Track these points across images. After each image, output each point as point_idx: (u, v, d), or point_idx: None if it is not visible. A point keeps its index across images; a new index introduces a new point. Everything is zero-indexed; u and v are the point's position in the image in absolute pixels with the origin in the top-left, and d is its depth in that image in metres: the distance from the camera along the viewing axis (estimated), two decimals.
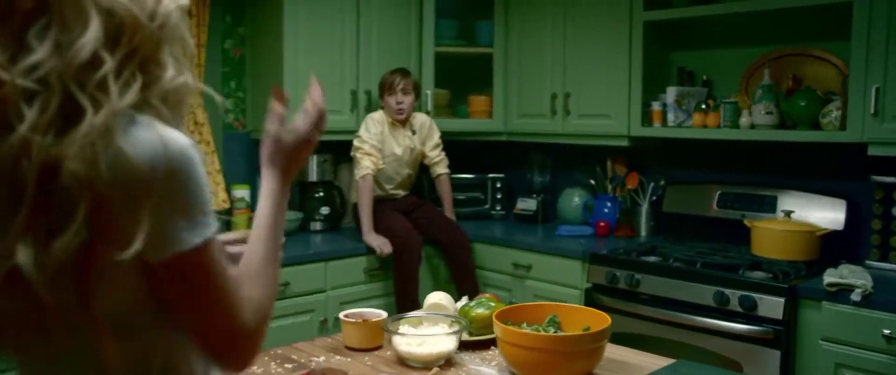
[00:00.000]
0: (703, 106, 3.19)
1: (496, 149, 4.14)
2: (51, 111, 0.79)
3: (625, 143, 3.37)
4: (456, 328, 1.71)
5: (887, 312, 2.36)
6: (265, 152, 1.14)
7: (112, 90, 0.82)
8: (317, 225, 3.62)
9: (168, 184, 0.83)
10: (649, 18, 3.24)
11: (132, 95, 0.84)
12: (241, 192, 3.49)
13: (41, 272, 0.81)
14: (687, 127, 3.23)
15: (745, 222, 3.02)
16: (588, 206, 3.67)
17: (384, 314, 1.81)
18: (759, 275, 2.68)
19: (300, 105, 1.19)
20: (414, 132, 3.51)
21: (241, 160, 3.59)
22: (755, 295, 2.60)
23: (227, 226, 3.41)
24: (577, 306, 1.73)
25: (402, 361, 1.66)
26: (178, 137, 0.85)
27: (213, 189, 3.36)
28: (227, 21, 3.49)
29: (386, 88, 3.41)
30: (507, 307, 1.74)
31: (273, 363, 1.66)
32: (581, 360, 1.53)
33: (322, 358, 1.70)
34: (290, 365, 1.65)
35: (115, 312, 0.88)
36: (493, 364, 1.66)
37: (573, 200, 3.76)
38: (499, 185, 4.00)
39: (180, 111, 0.91)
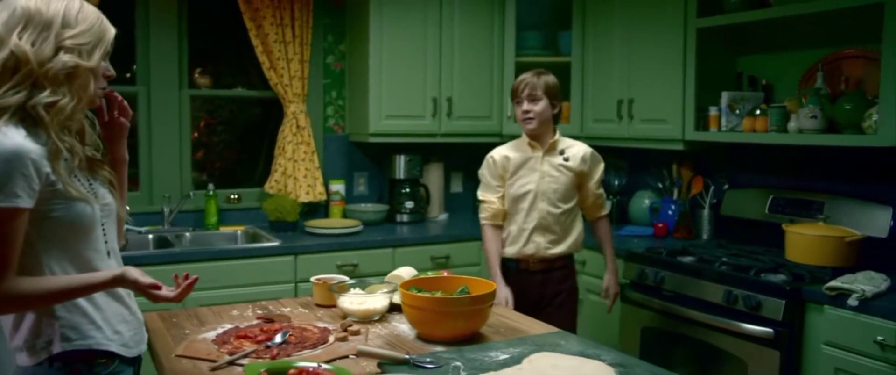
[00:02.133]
0: (757, 111, 3.21)
1: None
2: None
3: (680, 147, 3.46)
4: (388, 292, 2.07)
5: (883, 318, 2.34)
6: (140, 278, 1.57)
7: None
8: (403, 217, 4.08)
9: None
10: (702, 25, 3.32)
11: (16, 98, 1.43)
12: (337, 186, 4.05)
13: None
14: (738, 132, 3.27)
15: (783, 226, 3.01)
16: (654, 208, 3.78)
17: (347, 280, 2.21)
18: (774, 278, 2.70)
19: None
20: (566, 159, 2.83)
21: (338, 159, 4.15)
22: (761, 296, 2.65)
23: (318, 212, 4.00)
24: (486, 280, 2.00)
25: (345, 316, 2.05)
26: (10, 139, 1.41)
27: (312, 183, 3.94)
28: (329, 40, 4.08)
29: (512, 97, 2.85)
30: (426, 276, 2.06)
31: (251, 309, 2.13)
32: (461, 320, 1.82)
33: (288, 309, 2.14)
34: (261, 312, 2.10)
35: None
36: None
37: (643, 202, 3.88)
38: None
39: (54, 117, 1.48)
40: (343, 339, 1.83)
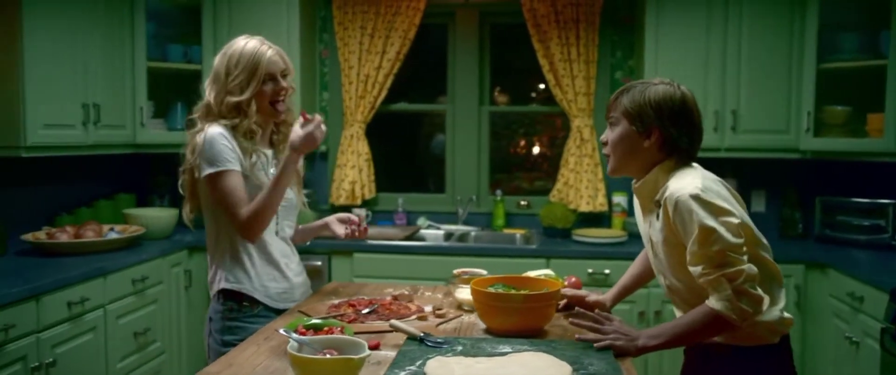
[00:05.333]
0: None
1: None
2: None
3: None
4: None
5: None
6: (294, 140, 2.12)
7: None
8: None
9: (201, 147, 2.06)
10: None
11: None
12: (619, 198, 4.14)
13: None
14: None
15: None
16: None
17: (483, 273, 2.45)
18: None
19: None
20: (658, 216, 1.84)
21: None
22: None
23: (601, 222, 4.13)
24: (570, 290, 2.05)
25: (459, 305, 2.31)
26: (211, 131, 2.08)
27: (593, 193, 4.11)
28: (618, 56, 4.19)
29: None
30: (516, 276, 2.18)
31: (403, 289, 2.53)
32: (514, 315, 1.92)
33: (429, 294, 2.48)
34: (406, 291, 2.48)
35: (206, 202, 2.15)
36: None
37: None
38: None
39: (237, 133, 2.14)
40: (423, 318, 2.11)
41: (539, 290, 2.07)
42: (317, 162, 4.45)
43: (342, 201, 4.29)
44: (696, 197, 1.71)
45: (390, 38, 4.19)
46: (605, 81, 4.21)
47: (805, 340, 3.53)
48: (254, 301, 2.20)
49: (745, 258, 1.70)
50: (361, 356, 1.52)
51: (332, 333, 1.82)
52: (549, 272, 2.44)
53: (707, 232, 1.68)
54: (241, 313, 2.18)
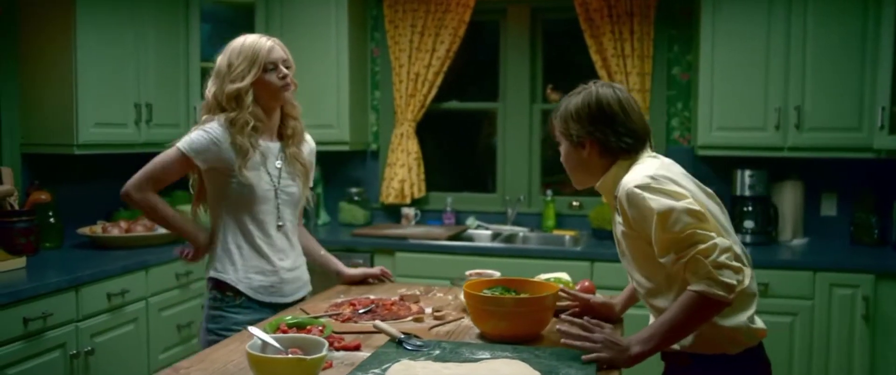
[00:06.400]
0: None
1: None
2: None
3: None
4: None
5: None
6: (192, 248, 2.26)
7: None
8: (744, 237, 3.71)
9: (194, 129, 2.15)
10: None
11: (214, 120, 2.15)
12: None
13: None
14: None
15: None
16: None
17: (496, 275, 2.36)
18: None
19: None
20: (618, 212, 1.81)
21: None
22: None
23: None
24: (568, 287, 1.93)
25: (464, 308, 2.23)
26: (210, 125, 2.13)
27: None
28: (675, 50, 3.98)
29: None
30: (521, 278, 2.08)
31: (414, 289, 2.47)
32: (504, 319, 1.82)
33: (440, 295, 2.41)
34: (418, 291, 2.43)
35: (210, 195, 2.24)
36: None
37: None
38: None
39: (233, 127, 2.13)
40: (419, 320, 2.05)
41: (537, 294, 1.97)
42: (368, 160, 4.46)
43: (391, 199, 4.28)
44: (645, 186, 1.66)
45: (440, 36, 4.15)
46: (661, 77, 4.01)
47: (874, 355, 3.24)
48: (237, 292, 2.20)
49: (713, 233, 1.61)
50: (315, 356, 1.48)
51: (311, 332, 1.79)
52: (562, 275, 2.35)
53: (665, 215, 1.61)
54: (223, 302, 2.19)
